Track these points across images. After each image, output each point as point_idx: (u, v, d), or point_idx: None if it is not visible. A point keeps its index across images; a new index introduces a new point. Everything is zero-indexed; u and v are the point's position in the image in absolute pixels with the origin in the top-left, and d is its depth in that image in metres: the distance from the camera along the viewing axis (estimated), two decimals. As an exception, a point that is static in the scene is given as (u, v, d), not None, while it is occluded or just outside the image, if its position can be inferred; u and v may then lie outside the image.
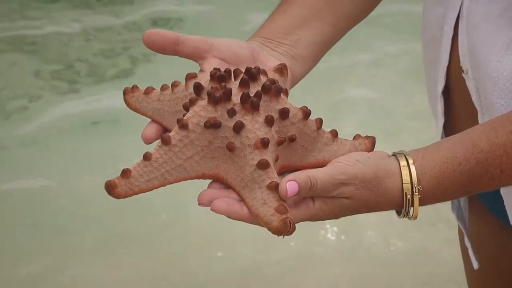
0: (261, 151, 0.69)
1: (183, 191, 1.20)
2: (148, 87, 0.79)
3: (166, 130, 0.76)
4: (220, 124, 0.70)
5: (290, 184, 0.67)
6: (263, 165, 0.69)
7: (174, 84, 0.77)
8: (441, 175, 0.71)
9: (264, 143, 0.69)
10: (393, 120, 2.90)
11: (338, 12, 0.90)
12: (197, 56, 0.81)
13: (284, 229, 0.66)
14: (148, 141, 0.76)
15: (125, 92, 0.80)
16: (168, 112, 0.76)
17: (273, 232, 0.67)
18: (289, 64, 0.85)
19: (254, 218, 0.69)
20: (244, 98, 0.70)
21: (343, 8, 0.91)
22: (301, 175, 0.68)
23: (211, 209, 0.69)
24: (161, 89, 0.78)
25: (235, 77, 0.74)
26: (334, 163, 0.72)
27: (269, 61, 0.83)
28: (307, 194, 0.68)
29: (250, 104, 0.70)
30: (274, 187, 0.68)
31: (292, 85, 0.86)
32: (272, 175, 0.69)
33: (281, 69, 0.80)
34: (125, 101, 0.80)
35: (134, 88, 0.80)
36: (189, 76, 0.76)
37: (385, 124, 2.87)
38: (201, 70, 0.81)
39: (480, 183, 0.72)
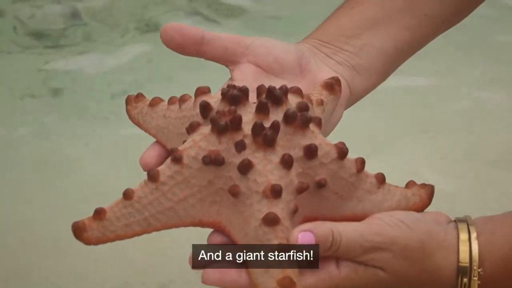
0: (270, 201, 0.52)
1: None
2: (155, 97, 0.63)
3: None
4: (223, 160, 0.54)
5: (304, 235, 0.52)
6: (270, 221, 0.52)
7: (183, 99, 0.60)
8: (511, 257, 0.53)
9: (275, 192, 0.52)
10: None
11: (420, 13, 0.70)
12: (227, 60, 0.65)
13: None
14: (147, 168, 0.61)
15: (127, 102, 0.65)
16: (173, 133, 0.60)
17: None
18: (348, 77, 0.67)
19: None
20: (256, 130, 0.54)
21: (427, 8, 0.70)
22: (322, 226, 0.52)
23: (202, 281, 0.53)
24: (168, 102, 0.62)
25: (258, 96, 0.58)
26: (371, 219, 0.55)
27: (321, 72, 0.66)
28: (325, 253, 0.52)
29: (263, 138, 0.54)
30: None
31: (349, 105, 0.68)
32: (281, 234, 0.52)
33: (332, 85, 0.63)
34: (127, 112, 0.65)
35: (139, 96, 0.65)
36: (199, 91, 0.59)
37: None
38: (231, 79, 0.65)
39: None
